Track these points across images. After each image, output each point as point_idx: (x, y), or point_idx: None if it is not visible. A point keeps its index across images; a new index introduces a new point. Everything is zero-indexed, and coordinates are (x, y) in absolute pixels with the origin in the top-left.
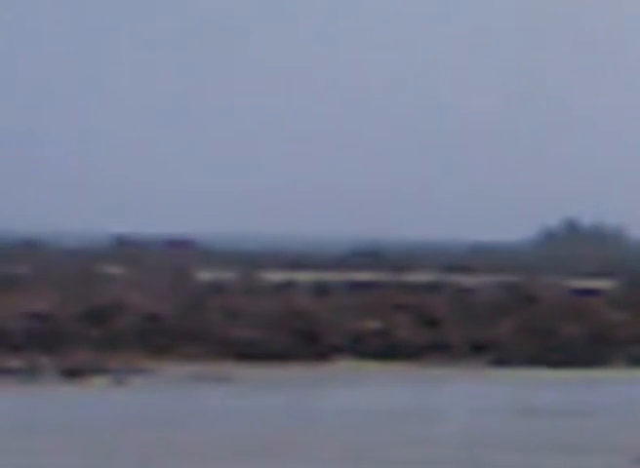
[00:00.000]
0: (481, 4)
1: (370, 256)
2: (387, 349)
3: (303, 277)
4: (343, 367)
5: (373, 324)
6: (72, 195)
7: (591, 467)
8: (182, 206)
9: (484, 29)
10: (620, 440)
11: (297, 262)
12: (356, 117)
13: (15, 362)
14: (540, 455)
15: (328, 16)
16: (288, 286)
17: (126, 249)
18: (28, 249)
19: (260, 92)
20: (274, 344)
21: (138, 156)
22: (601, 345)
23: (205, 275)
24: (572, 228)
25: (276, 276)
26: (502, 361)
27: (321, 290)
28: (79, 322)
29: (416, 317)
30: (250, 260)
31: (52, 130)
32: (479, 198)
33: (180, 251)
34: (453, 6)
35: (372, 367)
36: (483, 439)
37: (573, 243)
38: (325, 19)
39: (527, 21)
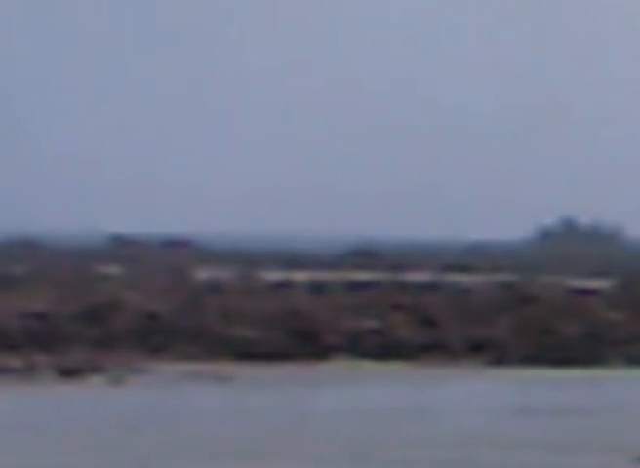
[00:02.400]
0: (481, 4)
1: (367, 256)
2: (385, 348)
3: (301, 276)
4: (341, 366)
5: (371, 323)
6: (70, 195)
7: (589, 466)
8: (180, 205)
9: (485, 28)
10: (618, 439)
11: (294, 262)
12: (355, 116)
13: (13, 361)
14: (537, 454)
15: (327, 15)
16: (285, 285)
17: (124, 248)
18: (26, 248)
19: (260, 91)
20: (272, 343)
21: (136, 156)
22: (599, 344)
23: (202, 274)
24: (569, 227)
25: (274, 275)
26: (500, 360)
27: (319, 289)
28: (77, 321)
29: (413, 316)
30: (247, 260)
31: (50, 128)
32: (477, 197)
33: (178, 250)
34: (453, 5)
35: (369, 366)
36: (481, 438)
37: (570, 242)
38: (324, 18)
39: (528, 21)
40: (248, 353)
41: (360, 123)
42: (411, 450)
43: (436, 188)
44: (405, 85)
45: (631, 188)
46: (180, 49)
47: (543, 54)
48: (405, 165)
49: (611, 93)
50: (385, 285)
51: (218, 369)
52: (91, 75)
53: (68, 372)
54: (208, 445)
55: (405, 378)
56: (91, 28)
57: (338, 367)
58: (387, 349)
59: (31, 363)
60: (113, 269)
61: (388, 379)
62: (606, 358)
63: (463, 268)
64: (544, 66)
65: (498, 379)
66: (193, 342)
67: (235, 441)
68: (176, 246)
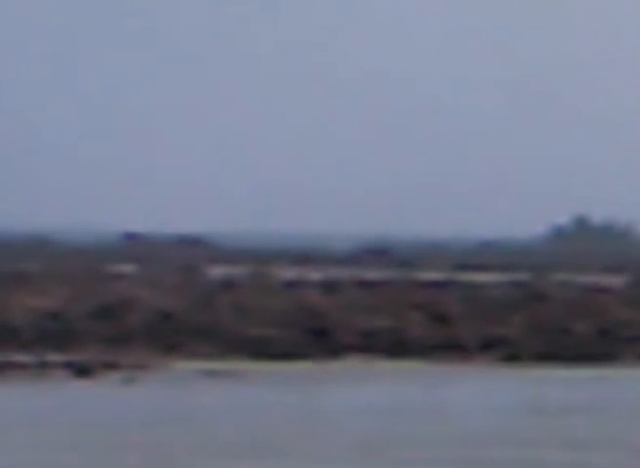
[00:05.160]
0: (480, 2)
1: (380, 254)
2: (398, 347)
3: (314, 274)
4: (354, 364)
5: (383, 321)
6: (83, 192)
7: (600, 464)
8: (193, 203)
9: (487, 27)
10: (630, 437)
11: (307, 260)
12: (362, 116)
13: (25, 359)
14: (549, 452)
15: (327, 15)
16: (299, 283)
17: (137, 246)
18: (39, 246)
19: (265, 91)
20: (285, 342)
21: (148, 154)
22: (611, 342)
23: (216, 272)
24: (582, 225)
25: (287, 273)
26: (513, 358)
27: (331, 287)
28: (90, 319)
29: (426, 314)
30: (261, 258)
31: (62, 126)
32: (488, 195)
33: (192, 248)
34: (452, 4)
35: (382, 364)
36: (494, 436)
37: (583, 240)
38: (324, 18)
39: (527, 20)
40: (261, 351)
41: (368, 122)
42: (424, 449)
43: (449, 186)
44: (411, 85)
45: None
46: (186, 49)
47: (550, 51)
48: (418, 163)
49: (621, 90)
50: (399, 283)
51: (231, 367)
52: (101, 72)
53: (82, 370)
54: (221, 443)
55: (418, 376)
56: (98, 27)
57: (351, 365)
58: (401, 347)
59: (44, 361)
60: (127, 267)
61: (402, 377)
62: (619, 356)
63: (476, 266)
64: (554, 64)
65: (510, 377)
66: (207, 340)
67: (248, 439)
68: (189, 244)
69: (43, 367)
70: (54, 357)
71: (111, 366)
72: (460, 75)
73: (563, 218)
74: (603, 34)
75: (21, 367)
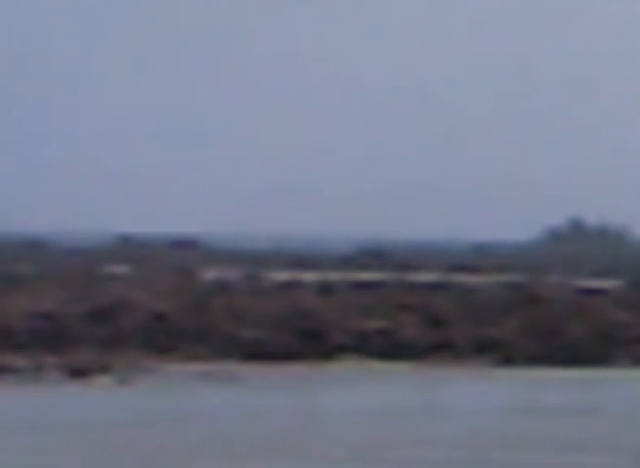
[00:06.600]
0: (479, 3)
1: (374, 256)
2: (392, 349)
3: (308, 276)
4: (349, 366)
5: (378, 323)
6: (76, 194)
7: (595, 466)
8: (187, 205)
9: (486, 28)
10: (625, 439)
11: (301, 262)
12: (358, 116)
13: (19, 361)
14: (544, 454)
15: (327, 14)
16: (293, 285)
17: (131, 248)
18: (32, 248)
19: (262, 91)
20: (280, 344)
21: (142, 155)
22: (606, 345)
23: (210, 274)
24: (577, 227)
25: (281, 275)
26: (507, 360)
27: (326, 289)
28: (84, 321)
29: (421, 316)
30: (255, 260)
31: (55, 128)
32: (483, 197)
33: (186, 250)
34: (451, 5)
35: (377, 366)
36: (488, 438)
37: (577, 242)
38: (324, 17)
39: (526, 20)
40: (255, 353)
41: (364, 123)
42: (419, 451)
43: (443, 188)
44: (407, 84)
45: (639, 188)
46: (181, 49)
47: (547, 52)
48: (412, 164)
49: (617, 92)
50: (393, 285)
51: (225, 369)
52: (95, 74)
53: (76, 373)
54: (215, 445)
55: (412, 379)
56: (94, 27)
57: (345, 367)
58: (395, 349)
59: (38, 363)
60: (120, 269)
61: (396, 379)
62: (614, 358)
63: (471, 268)
64: (548, 65)
65: (505, 379)
66: (201, 342)
67: (243, 441)
68: (183, 246)
69: (38, 369)
70: (48, 359)
71: (106, 368)
72: (457, 78)
73: (558, 221)
74: (600, 39)
75: (16, 369)
